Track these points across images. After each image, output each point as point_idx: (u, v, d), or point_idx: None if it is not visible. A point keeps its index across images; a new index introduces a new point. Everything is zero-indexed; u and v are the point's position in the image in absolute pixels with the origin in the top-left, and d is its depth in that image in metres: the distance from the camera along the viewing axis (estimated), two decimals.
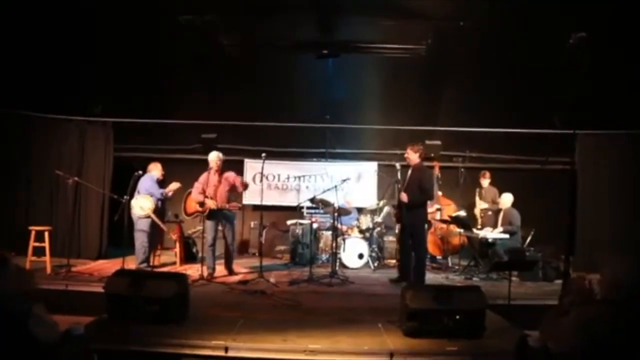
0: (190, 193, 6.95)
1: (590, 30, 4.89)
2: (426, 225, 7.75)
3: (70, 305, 4.76)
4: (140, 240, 6.50)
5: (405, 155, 6.47)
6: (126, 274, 4.44)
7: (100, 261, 7.39)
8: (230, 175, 6.58)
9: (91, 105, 7.93)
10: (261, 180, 7.01)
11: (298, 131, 8.82)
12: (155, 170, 6.80)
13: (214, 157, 6.43)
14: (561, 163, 7.31)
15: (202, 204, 6.37)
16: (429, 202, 7.87)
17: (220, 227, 6.48)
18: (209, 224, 6.42)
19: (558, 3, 6.39)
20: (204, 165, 6.53)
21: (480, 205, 8.04)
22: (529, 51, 7.14)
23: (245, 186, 6.67)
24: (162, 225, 6.73)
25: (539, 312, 3.63)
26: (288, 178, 9.38)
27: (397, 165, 6.57)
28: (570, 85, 5.24)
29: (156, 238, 6.91)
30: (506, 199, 7.43)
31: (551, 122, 7.23)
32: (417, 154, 6.37)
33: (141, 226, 6.53)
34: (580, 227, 7.16)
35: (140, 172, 6.64)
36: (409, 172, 6.39)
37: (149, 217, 6.50)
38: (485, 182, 8.06)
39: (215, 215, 6.37)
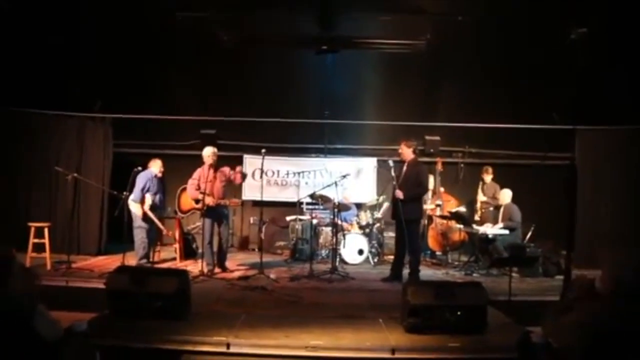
0: (184, 189, 6.93)
1: (590, 26, 4.89)
2: (426, 221, 7.82)
3: (70, 301, 4.74)
4: (140, 236, 6.50)
5: (399, 151, 6.45)
6: (127, 271, 4.45)
7: (100, 257, 7.39)
8: (225, 169, 6.58)
9: (90, 101, 7.89)
10: (261, 176, 7.00)
11: (297, 127, 8.80)
12: (154, 167, 6.78)
13: (209, 152, 6.41)
14: (561, 158, 7.31)
15: (198, 200, 6.37)
16: (429, 197, 7.96)
17: (216, 224, 6.50)
18: (206, 221, 6.41)
19: None
20: (203, 161, 6.50)
21: (481, 198, 8.04)
22: (529, 46, 7.13)
23: (242, 176, 6.64)
24: (158, 224, 6.68)
25: (540, 308, 3.65)
26: (287, 174, 9.38)
27: (390, 162, 6.51)
28: (570, 80, 5.27)
29: (156, 234, 6.91)
30: (506, 195, 7.42)
31: (550, 117, 7.23)
32: (411, 149, 6.36)
33: (140, 222, 6.52)
34: (580, 223, 7.17)
35: (140, 168, 6.62)
36: (404, 168, 6.37)
37: (145, 216, 6.49)
38: (487, 177, 8.04)
39: (211, 212, 6.37)
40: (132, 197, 6.44)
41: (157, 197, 6.68)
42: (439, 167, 8.18)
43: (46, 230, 6.52)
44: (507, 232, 7.03)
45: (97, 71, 7.67)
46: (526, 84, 7.68)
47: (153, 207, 6.58)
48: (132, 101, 7.99)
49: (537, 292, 5.76)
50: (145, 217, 6.51)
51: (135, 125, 8.22)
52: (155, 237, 6.89)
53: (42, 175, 7.66)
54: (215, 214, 6.42)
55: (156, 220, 6.57)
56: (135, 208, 6.46)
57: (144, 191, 6.50)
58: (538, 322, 2.71)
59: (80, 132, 7.86)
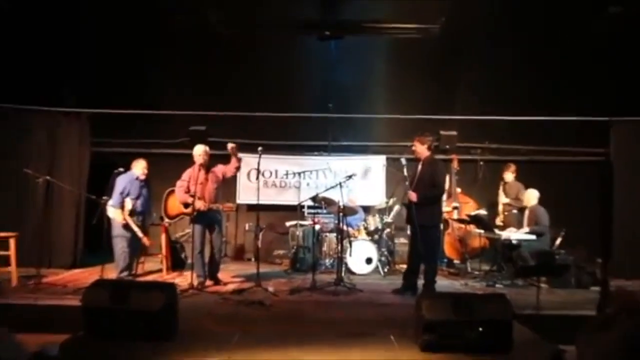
0: (171, 192, 6.88)
1: (628, 5, 4.82)
2: (441, 225, 7.75)
3: (40, 321, 4.65)
4: (120, 246, 6.41)
5: (413, 148, 6.39)
6: (106, 285, 4.39)
7: (75, 270, 7.34)
8: (218, 168, 6.53)
9: (64, 94, 7.85)
10: (257, 177, 6.92)
11: (298, 122, 8.76)
12: (136, 168, 6.72)
13: (200, 151, 6.35)
14: (594, 154, 7.24)
15: (187, 205, 6.30)
16: (444, 199, 7.89)
17: (207, 231, 6.45)
18: (197, 227, 6.34)
19: None
20: (192, 160, 6.45)
21: (503, 200, 7.98)
22: (557, 28, 7.06)
23: (237, 168, 6.59)
24: (138, 232, 6.57)
25: (573, 323, 3.58)
26: (287, 174, 9.34)
27: (403, 160, 6.41)
28: (605, 66, 5.20)
29: (139, 243, 6.84)
30: (531, 196, 7.35)
31: (582, 107, 7.16)
32: (426, 146, 6.29)
33: (120, 230, 6.46)
34: (617, 227, 7.09)
35: (121, 169, 6.57)
36: (419, 166, 6.32)
37: (125, 223, 6.45)
38: (509, 176, 7.97)
39: (203, 217, 6.31)
40: (111, 202, 6.39)
41: (139, 202, 6.62)
42: (455, 165, 8.12)
43: (12, 242, 6.39)
44: (533, 237, 6.96)
45: (71, 59, 7.60)
46: (554, 71, 7.60)
47: (132, 213, 6.53)
48: (112, 94, 7.94)
49: (569, 306, 5.68)
50: (126, 225, 6.47)
51: (116, 121, 8.16)
52: (138, 247, 6.83)
53: (9, 178, 7.53)
54: (207, 219, 6.36)
55: (135, 228, 6.49)
56: (114, 214, 6.40)
57: (123, 195, 6.45)
58: (571, 340, 2.65)
59: (52, 129, 7.79)
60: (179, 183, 6.44)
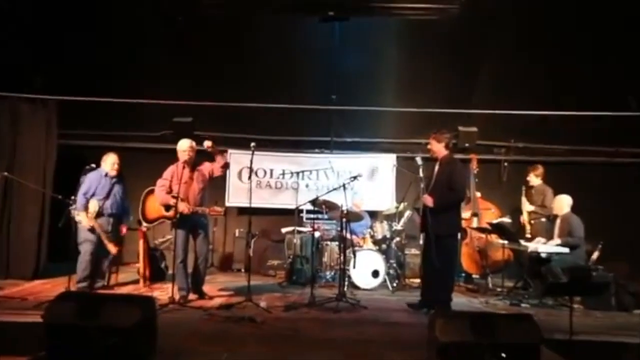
0: (150, 192, 6.85)
1: None
2: (459, 235, 7.72)
3: None
4: (83, 252, 6.46)
5: (429, 147, 6.40)
6: (73, 298, 4.33)
7: (37, 282, 7.31)
8: (204, 167, 6.51)
9: (28, 77, 7.81)
10: (249, 177, 6.89)
11: (296, 115, 8.73)
12: (104, 164, 6.70)
13: (185, 147, 6.32)
14: (636, 155, 7.21)
15: (168, 207, 6.28)
16: (463, 205, 7.86)
17: (192, 237, 6.43)
18: (179, 233, 6.30)
19: None
20: (175, 156, 6.42)
21: (527, 207, 7.95)
22: (594, 11, 7.03)
23: (225, 166, 6.60)
24: (103, 238, 6.56)
25: (612, 351, 3.54)
26: (283, 174, 9.35)
27: (419, 159, 6.40)
28: None
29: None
30: (563, 203, 7.32)
31: (623, 102, 7.13)
32: (443, 144, 6.28)
33: (86, 235, 6.45)
34: None
35: (93, 165, 6.57)
36: (436, 167, 6.31)
37: (92, 228, 6.43)
38: (535, 179, 7.94)
39: (186, 222, 6.28)
40: (79, 200, 6.41)
41: (109, 202, 6.60)
42: (474, 165, 8.11)
43: None
44: (566, 250, 6.93)
45: (36, 37, 7.56)
46: (589, 60, 7.57)
47: (99, 215, 6.51)
48: (84, 79, 7.92)
49: (607, 330, 5.59)
50: (92, 229, 6.46)
51: (88, 110, 8.13)
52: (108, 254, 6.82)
53: None
54: (191, 224, 6.34)
55: (100, 232, 6.47)
56: (80, 217, 6.39)
57: (87, 196, 6.44)
58: None
59: (13, 117, 7.77)
60: (159, 182, 6.41)
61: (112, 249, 6.62)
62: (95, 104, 7.94)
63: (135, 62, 8.14)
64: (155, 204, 6.72)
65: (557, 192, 7.58)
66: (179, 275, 6.32)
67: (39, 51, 7.71)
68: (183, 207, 6.17)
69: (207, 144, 6.33)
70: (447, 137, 6.36)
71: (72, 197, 6.34)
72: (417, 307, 6.22)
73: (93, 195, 6.48)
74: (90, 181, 6.46)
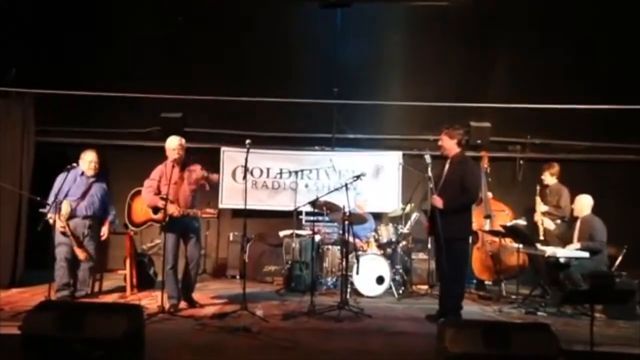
0: (137, 193, 6.85)
1: None
2: (470, 239, 7.72)
3: None
4: (59, 257, 6.45)
5: (440, 143, 6.38)
6: (54, 308, 4.32)
7: (14, 290, 7.31)
8: (196, 169, 6.51)
9: (1, 68, 7.81)
10: (244, 177, 6.86)
11: (295, 110, 8.75)
12: (81, 162, 6.68)
13: (174, 145, 6.32)
14: None
15: (157, 209, 6.28)
16: (473, 207, 7.86)
17: (182, 242, 6.44)
18: (169, 237, 6.30)
19: None
20: (164, 155, 6.42)
21: (541, 208, 7.94)
22: None
23: (214, 181, 6.63)
24: (73, 243, 6.51)
25: None
26: (281, 173, 9.36)
27: (427, 157, 6.39)
28: None
29: (95, 255, 6.81)
30: (584, 203, 7.32)
31: None
32: (456, 141, 6.28)
33: (60, 239, 6.45)
34: None
35: (75, 164, 6.55)
36: (446, 165, 6.31)
37: (64, 230, 6.42)
38: (550, 178, 7.93)
39: (176, 225, 6.28)
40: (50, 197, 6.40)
41: (84, 203, 6.58)
42: (485, 163, 8.10)
43: None
44: (586, 255, 6.91)
45: (10, 25, 7.55)
46: (614, 49, 7.57)
47: (72, 217, 6.49)
48: (64, 70, 7.93)
49: (632, 342, 5.60)
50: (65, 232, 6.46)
51: (69, 105, 8.18)
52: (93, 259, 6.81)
53: None
54: (182, 227, 6.34)
55: (69, 236, 6.46)
56: (51, 219, 6.38)
57: (58, 196, 6.40)
58: None
59: None
60: (147, 183, 6.40)
61: (80, 254, 6.55)
62: (75, 97, 7.97)
63: (120, 53, 8.14)
64: (142, 207, 6.71)
65: (577, 192, 7.57)
66: (168, 282, 6.34)
67: (14, 39, 7.68)
68: (173, 210, 6.16)
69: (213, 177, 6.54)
70: (460, 134, 6.35)
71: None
72: (435, 319, 6.14)
73: (66, 195, 6.45)
74: (62, 180, 6.43)
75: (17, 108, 7.84)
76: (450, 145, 6.28)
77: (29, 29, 7.62)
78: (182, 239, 6.42)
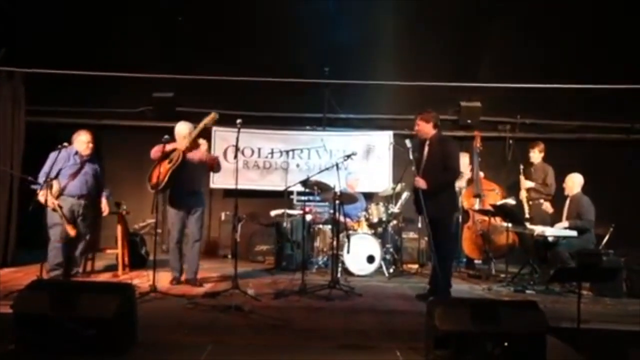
0: (156, 167, 6.71)
1: None
2: (460, 217, 7.75)
3: None
4: (52, 238, 6.43)
5: (416, 129, 6.38)
6: (45, 287, 4.32)
7: (6, 270, 7.30)
8: (201, 151, 6.56)
9: None
10: (235, 157, 6.81)
11: (286, 89, 8.67)
12: (76, 142, 6.62)
13: (185, 132, 6.38)
14: None
15: (166, 155, 6.24)
16: (464, 186, 7.88)
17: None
18: (173, 213, 6.41)
19: None
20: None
21: (527, 184, 7.96)
22: None
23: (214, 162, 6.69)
24: (64, 220, 6.43)
25: (623, 341, 3.56)
26: (272, 153, 9.35)
27: (408, 142, 6.41)
28: None
29: (87, 234, 6.78)
30: (575, 182, 7.34)
31: (635, 74, 7.14)
32: (431, 124, 6.30)
33: (53, 218, 6.42)
34: None
35: (66, 144, 6.50)
36: (426, 147, 6.32)
37: (54, 207, 6.37)
38: (536, 156, 7.95)
39: (182, 199, 6.39)
40: (40, 176, 6.37)
41: (76, 182, 6.52)
42: (478, 143, 8.08)
43: None
44: (574, 233, 6.95)
45: (2, 3, 7.46)
46: (604, 28, 7.55)
47: (59, 193, 6.44)
48: (55, 50, 7.85)
49: (618, 319, 5.61)
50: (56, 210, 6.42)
51: (60, 83, 8.10)
52: (86, 239, 6.80)
53: None
54: (187, 202, 6.44)
55: (59, 213, 6.41)
56: (42, 197, 6.32)
57: (50, 175, 6.34)
58: None
59: None
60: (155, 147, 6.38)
61: (71, 230, 6.50)
62: (67, 77, 7.89)
63: (111, 32, 8.06)
64: (157, 170, 6.53)
65: (567, 172, 7.58)
66: (173, 256, 6.54)
67: (2, 17, 7.60)
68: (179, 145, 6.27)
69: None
70: (434, 116, 6.37)
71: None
72: (425, 298, 6.20)
73: (58, 174, 6.42)
74: (54, 159, 6.40)
75: (6, 87, 7.75)
76: (427, 128, 6.29)
77: (19, 8, 7.51)
78: (187, 214, 6.49)
